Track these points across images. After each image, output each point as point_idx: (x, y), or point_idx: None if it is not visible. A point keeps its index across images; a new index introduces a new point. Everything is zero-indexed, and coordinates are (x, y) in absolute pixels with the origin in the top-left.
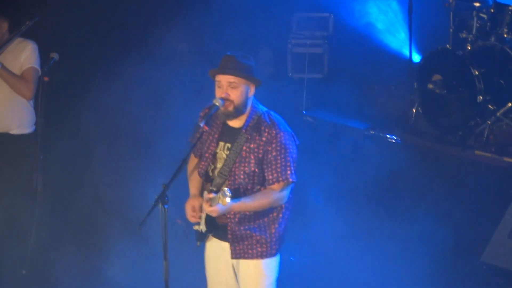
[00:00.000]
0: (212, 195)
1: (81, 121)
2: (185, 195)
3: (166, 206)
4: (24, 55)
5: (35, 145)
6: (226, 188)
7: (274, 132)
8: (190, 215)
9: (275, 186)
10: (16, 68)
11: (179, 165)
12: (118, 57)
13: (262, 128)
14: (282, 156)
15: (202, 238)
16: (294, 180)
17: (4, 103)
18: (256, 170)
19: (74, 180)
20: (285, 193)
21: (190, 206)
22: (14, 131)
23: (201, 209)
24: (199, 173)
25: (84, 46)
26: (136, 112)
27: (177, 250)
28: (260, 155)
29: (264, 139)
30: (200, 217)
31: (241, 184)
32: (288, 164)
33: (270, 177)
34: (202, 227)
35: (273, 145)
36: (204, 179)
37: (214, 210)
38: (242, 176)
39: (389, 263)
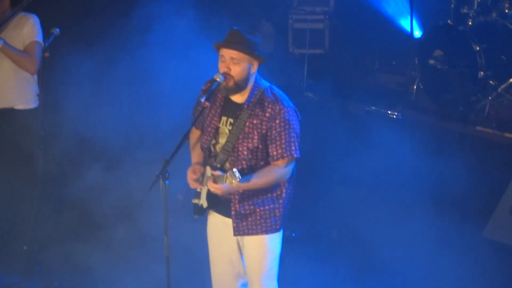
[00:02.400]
0: (218, 172)
1: (83, 97)
2: (186, 170)
3: (167, 182)
4: (26, 30)
5: (38, 120)
6: (235, 169)
7: (277, 107)
8: (191, 178)
9: (280, 162)
10: (18, 43)
11: (180, 141)
12: (120, 31)
13: (266, 104)
14: (286, 132)
15: (200, 212)
16: (298, 156)
17: (8, 78)
18: (260, 146)
19: (75, 156)
20: (289, 168)
21: (191, 170)
22: (19, 106)
23: (202, 182)
24: (201, 147)
25: (85, 20)
26: (139, 86)
27: (179, 225)
28: (264, 131)
29: (267, 114)
30: (201, 191)
31: (245, 160)
32: (292, 140)
33: (275, 153)
34: (203, 202)
35: (277, 121)
36: (207, 154)
37: (218, 188)
38: (245, 152)
39: (388, 237)
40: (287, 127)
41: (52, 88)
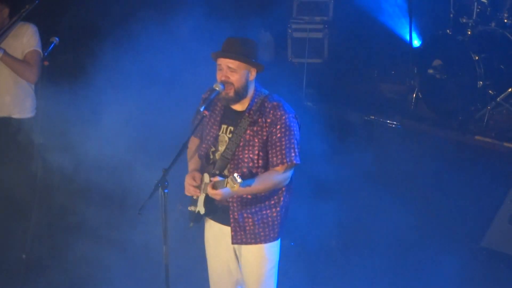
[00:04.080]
0: (217, 178)
1: (82, 106)
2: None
3: (166, 191)
4: (25, 39)
5: (36, 129)
6: (236, 174)
7: (279, 113)
8: (189, 184)
9: (279, 168)
10: (18, 53)
11: (179, 149)
12: (120, 40)
13: (267, 110)
14: (287, 138)
15: (196, 219)
16: (298, 163)
17: (6, 87)
18: (261, 153)
19: (73, 165)
20: (288, 174)
21: (190, 177)
22: (16, 115)
23: (200, 189)
24: (199, 155)
25: (84, 29)
26: (139, 96)
27: (177, 234)
28: (265, 137)
29: (268, 120)
30: (197, 198)
31: (245, 168)
32: (293, 146)
33: (275, 159)
34: (200, 209)
35: (278, 127)
36: (205, 161)
37: (218, 193)
38: (246, 160)
39: (387, 247)
40: (287, 133)
41: (51, 97)
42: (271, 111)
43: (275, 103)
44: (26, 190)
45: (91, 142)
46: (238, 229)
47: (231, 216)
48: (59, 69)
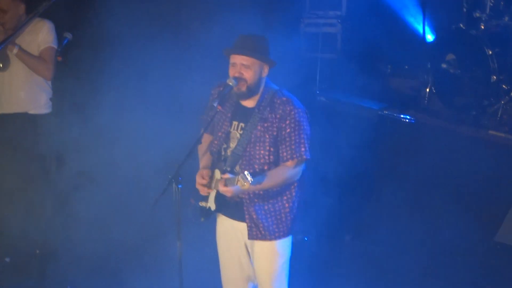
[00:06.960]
0: (228, 175)
1: (97, 101)
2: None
3: (179, 186)
4: (41, 35)
5: (52, 125)
6: (247, 172)
7: (288, 108)
8: (199, 183)
9: (290, 163)
10: (33, 49)
11: (192, 145)
12: (134, 36)
13: (276, 105)
14: (297, 133)
15: (207, 214)
16: (308, 157)
17: (22, 83)
18: (271, 149)
19: (88, 160)
20: (299, 169)
21: (199, 175)
22: (32, 111)
23: (211, 184)
24: (211, 151)
25: (100, 25)
26: (153, 92)
27: (191, 229)
28: (275, 133)
29: (278, 116)
30: (208, 194)
31: (256, 164)
32: (303, 141)
33: (285, 154)
34: (211, 205)
35: (288, 122)
36: (216, 158)
37: (229, 190)
38: (257, 156)
39: (401, 242)
40: (297, 128)
41: (65, 93)
42: (281, 107)
43: (284, 98)
44: (41, 185)
45: (108, 139)
46: (253, 225)
47: (245, 212)
48: (74, 66)
